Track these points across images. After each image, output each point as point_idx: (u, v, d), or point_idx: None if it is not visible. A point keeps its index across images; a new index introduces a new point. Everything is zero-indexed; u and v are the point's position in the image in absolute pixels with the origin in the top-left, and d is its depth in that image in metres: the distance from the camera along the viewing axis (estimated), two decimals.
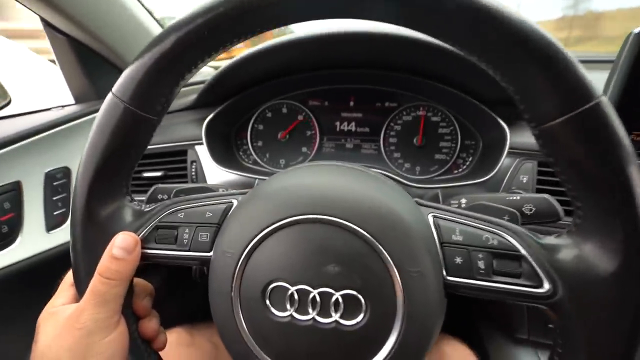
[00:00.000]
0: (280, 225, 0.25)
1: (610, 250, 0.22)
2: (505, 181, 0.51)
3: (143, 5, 0.65)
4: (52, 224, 0.58)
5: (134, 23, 0.64)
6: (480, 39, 0.22)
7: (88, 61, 0.65)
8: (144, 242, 0.30)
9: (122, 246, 0.28)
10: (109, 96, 0.27)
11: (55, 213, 0.59)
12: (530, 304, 0.25)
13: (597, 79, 0.28)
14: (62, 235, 0.59)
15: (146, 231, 0.30)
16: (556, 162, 0.23)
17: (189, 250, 0.29)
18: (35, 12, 0.55)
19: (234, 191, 0.33)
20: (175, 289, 0.74)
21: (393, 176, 0.56)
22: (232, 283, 0.26)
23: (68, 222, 0.60)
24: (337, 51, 0.57)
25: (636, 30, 0.42)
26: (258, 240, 0.25)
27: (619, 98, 0.44)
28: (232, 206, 0.30)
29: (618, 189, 0.21)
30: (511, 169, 0.51)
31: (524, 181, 0.50)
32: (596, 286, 0.22)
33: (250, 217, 0.27)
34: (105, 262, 0.27)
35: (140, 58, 0.25)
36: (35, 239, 0.56)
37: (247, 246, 0.25)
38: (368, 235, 0.24)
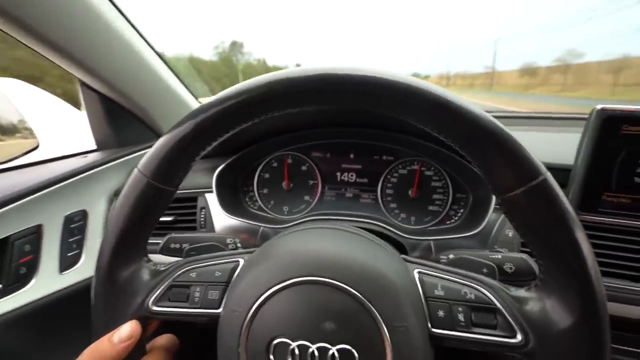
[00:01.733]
0: (283, 287, 0.28)
1: (568, 306, 0.25)
2: (492, 235, 0.55)
3: (170, 68, 0.73)
4: (65, 265, 0.61)
5: (162, 86, 0.72)
6: (447, 128, 0.27)
7: (114, 113, 0.72)
8: (159, 300, 0.32)
9: (120, 334, 0.31)
10: (135, 171, 0.31)
11: (69, 254, 0.62)
12: (508, 354, 0.27)
13: None
14: (74, 275, 0.62)
15: (161, 290, 0.33)
16: (517, 227, 0.27)
17: (199, 308, 0.32)
18: (74, 75, 0.63)
19: (240, 250, 0.37)
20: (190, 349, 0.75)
21: (389, 227, 0.60)
22: (239, 338, 0.28)
23: (80, 262, 0.64)
24: (339, 113, 0.63)
25: (599, 107, 0.48)
26: (263, 300, 0.28)
27: (588, 167, 0.49)
28: (238, 265, 0.33)
29: (569, 251, 0.25)
30: (497, 224, 0.55)
31: (510, 235, 0.54)
32: (558, 338, 0.25)
33: (257, 278, 0.30)
34: (103, 341, 0.31)
35: (163, 139, 0.30)
36: (48, 280, 0.58)
37: (253, 305, 0.28)
38: (360, 296, 0.27)
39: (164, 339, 0.36)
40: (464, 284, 0.29)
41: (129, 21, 0.61)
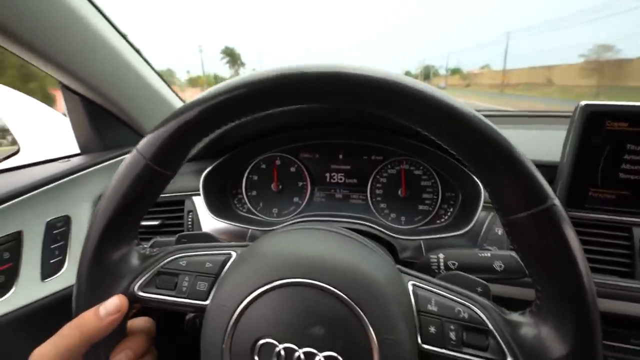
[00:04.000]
0: (274, 286, 0.27)
1: (563, 334, 0.25)
2: (482, 233, 0.55)
3: (152, 68, 0.72)
4: (47, 272, 0.59)
5: (145, 87, 0.71)
6: (456, 141, 0.26)
7: (97, 116, 0.70)
8: (146, 286, 0.32)
9: (107, 307, 0.30)
10: (133, 152, 0.30)
11: (51, 261, 0.60)
12: None
13: None
14: (57, 283, 0.60)
15: (149, 276, 0.32)
16: (519, 249, 0.27)
17: (186, 298, 0.31)
18: (54, 77, 0.61)
19: (233, 243, 0.35)
20: (166, 337, 0.74)
21: (379, 228, 0.59)
22: (225, 335, 0.27)
23: (63, 270, 0.62)
24: (327, 113, 0.63)
25: (582, 103, 0.48)
26: (252, 298, 0.27)
27: (573, 163, 0.49)
28: (230, 258, 0.33)
29: (570, 280, 0.24)
30: (487, 222, 0.55)
31: (499, 233, 0.54)
32: None
33: (248, 275, 0.29)
34: (87, 315, 0.29)
35: (166, 124, 0.29)
36: (29, 287, 0.56)
37: (241, 302, 0.27)
38: (351, 302, 0.26)
39: (142, 321, 0.35)
40: (457, 302, 0.29)
41: (109, 22, 0.60)
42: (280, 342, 0.26)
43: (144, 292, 0.31)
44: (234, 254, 0.33)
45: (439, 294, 0.29)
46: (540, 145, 0.65)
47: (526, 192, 0.25)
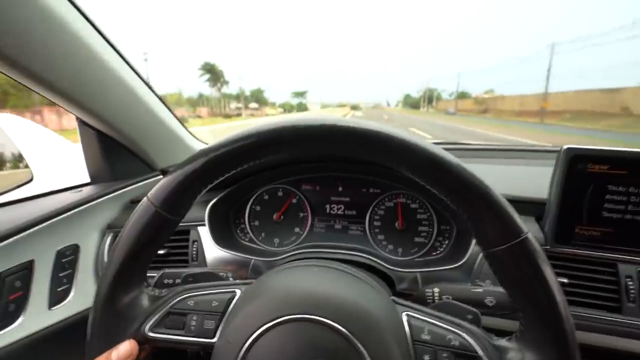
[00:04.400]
0: (277, 322, 0.30)
1: (544, 359, 0.27)
2: (475, 266, 0.57)
3: (164, 103, 0.76)
4: (54, 300, 0.61)
5: (156, 121, 0.75)
6: (439, 184, 0.29)
7: (109, 148, 0.74)
8: (156, 326, 0.34)
9: (119, 352, 0.31)
10: (144, 200, 0.33)
11: (58, 289, 0.62)
12: None
13: None
14: (63, 311, 0.62)
15: (159, 317, 0.34)
16: (500, 280, 0.30)
17: (195, 337, 0.33)
18: (72, 113, 0.65)
19: (238, 281, 0.38)
20: None
21: (377, 260, 0.61)
22: None
23: (69, 298, 0.63)
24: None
25: (565, 147, 0.52)
26: (258, 334, 0.30)
27: (559, 201, 0.52)
28: (235, 296, 0.35)
29: (546, 306, 0.27)
30: (480, 256, 0.57)
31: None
32: None
33: (253, 312, 0.31)
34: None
35: (174, 173, 0.32)
36: (37, 316, 0.58)
37: (248, 338, 0.30)
38: (349, 334, 0.29)
39: None
40: (449, 330, 0.31)
41: (122, 57, 0.64)
42: None
43: (154, 332, 0.33)
44: (238, 292, 0.35)
45: (431, 323, 0.32)
46: (530, 181, 0.68)
47: (502, 228, 0.28)
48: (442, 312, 0.33)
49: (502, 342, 0.30)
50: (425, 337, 0.31)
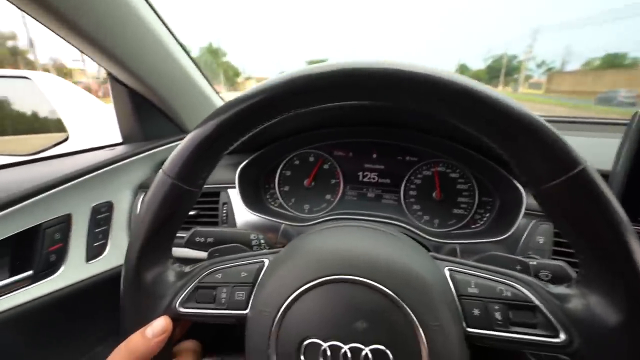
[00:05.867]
0: (312, 285, 0.27)
1: (614, 302, 0.24)
2: (522, 241, 0.53)
3: (196, 65, 0.74)
4: (92, 254, 0.62)
5: (188, 82, 0.73)
6: (479, 120, 0.25)
7: (140, 108, 0.73)
8: (186, 302, 0.32)
9: (154, 328, 0.31)
10: (160, 173, 0.31)
11: (95, 244, 0.63)
12: (551, 354, 0.26)
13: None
14: (100, 265, 0.63)
15: (187, 292, 0.32)
16: (554, 220, 0.26)
17: (226, 309, 0.31)
18: (104, 68, 0.64)
19: (265, 251, 0.36)
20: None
21: (412, 229, 0.59)
22: (269, 340, 0.27)
23: (105, 253, 0.65)
24: (362, 111, 0.62)
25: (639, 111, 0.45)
26: (292, 299, 0.28)
27: (628, 172, 0.47)
28: (264, 265, 0.33)
29: (612, 242, 0.23)
30: (528, 230, 0.53)
31: (541, 242, 0.52)
32: (606, 336, 0.24)
33: (285, 277, 0.29)
34: (135, 337, 0.31)
35: (186, 140, 0.30)
36: (76, 268, 0.60)
37: (282, 305, 0.28)
38: (391, 293, 0.26)
39: (189, 344, 0.36)
40: (498, 282, 0.28)
41: (159, 16, 0.62)
42: (325, 341, 0.26)
43: (184, 307, 0.32)
44: (266, 261, 0.33)
45: (477, 275, 0.29)
46: (592, 152, 0.62)
47: (554, 159, 0.24)
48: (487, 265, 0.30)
49: (561, 289, 0.27)
50: (473, 290, 0.28)
